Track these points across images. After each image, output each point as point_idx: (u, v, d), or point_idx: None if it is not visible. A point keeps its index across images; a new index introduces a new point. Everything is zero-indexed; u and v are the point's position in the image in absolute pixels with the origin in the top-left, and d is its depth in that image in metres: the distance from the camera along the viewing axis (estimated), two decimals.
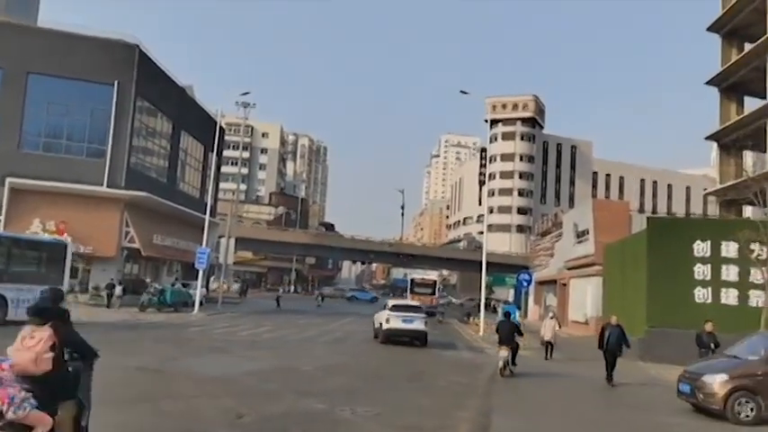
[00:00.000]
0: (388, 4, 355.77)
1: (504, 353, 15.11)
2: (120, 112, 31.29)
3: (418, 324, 21.48)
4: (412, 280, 48.99)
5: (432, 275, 60.74)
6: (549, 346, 20.55)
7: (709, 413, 11.27)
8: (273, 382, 12.29)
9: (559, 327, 22.18)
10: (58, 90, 30.79)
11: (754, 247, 19.95)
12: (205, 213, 33.97)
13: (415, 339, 21.53)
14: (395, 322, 21.36)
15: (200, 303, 31.51)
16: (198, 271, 32.07)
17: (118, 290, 29.58)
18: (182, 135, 39.10)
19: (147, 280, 36.40)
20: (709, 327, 15.77)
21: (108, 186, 30.71)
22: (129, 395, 9.85)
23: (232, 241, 43.59)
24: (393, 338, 21.28)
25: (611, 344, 15.54)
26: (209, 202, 36.44)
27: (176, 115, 37.64)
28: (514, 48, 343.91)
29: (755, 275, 20.28)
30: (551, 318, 21.56)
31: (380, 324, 21.87)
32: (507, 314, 18.06)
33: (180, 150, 39.23)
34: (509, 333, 15.45)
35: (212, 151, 38.39)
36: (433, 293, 46.86)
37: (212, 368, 13.70)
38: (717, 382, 11.10)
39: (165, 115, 36.39)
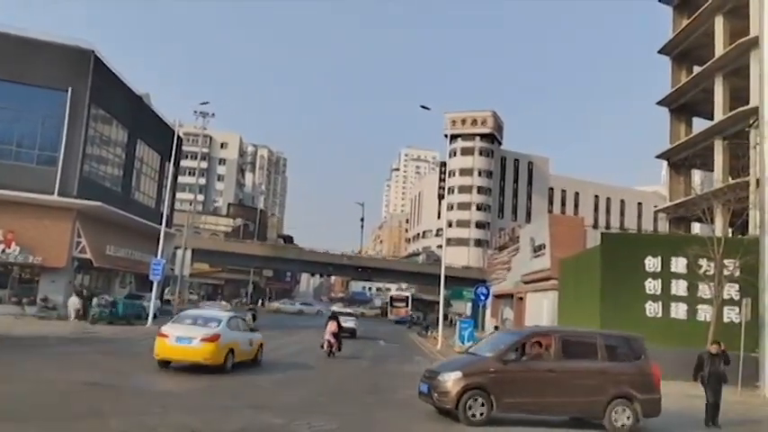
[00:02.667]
0: (348, 18, 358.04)
1: None
2: (74, 120, 30.45)
3: (351, 324, 32.07)
4: (391, 297, 57.64)
5: (405, 292, 65.58)
6: None
7: (448, 414, 10.87)
8: (229, 397, 12.05)
9: None
10: (9, 95, 29.76)
11: (702, 262, 20.63)
12: (161, 224, 33.26)
13: (350, 332, 30.58)
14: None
15: (155, 316, 30.76)
16: (152, 283, 31.33)
17: (76, 301, 28.67)
18: (138, 144, 38.27)
19: (101, 293, 35.42)
20: (714, 348, 13.09)
21: (59, 195, 29.78)
22: (77, 412, 9.52)
23: (188, 253, 42.74)
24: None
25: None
26: (166, 212, 35.68)
27: (132, 123, 36.84)
28: (474, 65, 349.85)
29: (703, 290, 20.93)
30: None
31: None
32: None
33: (135, 159, 38.37)
34: None
35: (169, 161, 37.69)
36: (407, 306, 58.83)
37: (165, 383, 13.36)
38: (450, 381, 10.69)
39: (120, 123, 35.57)
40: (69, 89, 30.30)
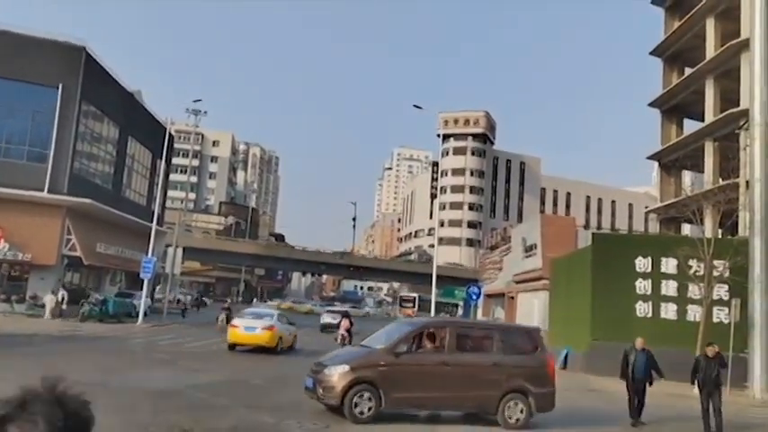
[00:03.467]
0: (342, 17, 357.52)
1: None
2: (65, 116, 30.24)
3: (339, 320, 33.23)
4: (400, 297, 62.35)
5: (413, 293, 67.86)
6: None
7: (333, 409, 10.22)
8: (221, 395, 12.01)
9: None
10: None
11: (692, 263, 20.76)
12: (152, 222, 33.10)
13: (336, 327, 30.19)
14: (327, 318, 37.53)
15: (145, 314, 30.61)
16: (143, 281, 31.18)
17: (51, 298, 28.15)
18: (129, 141, 38.06)
19: (90, 289, 35.19)
20: (711, 350, 12.16)
21: (49, 192, 29.56)
22: None
23: (180, 251, 42.55)
24: (325, 329, 35.01)
25: (638, 372, 12.54)
26: (157, 210, 35.51)
27: (123, 120, 36.63)
28: (469, 65, 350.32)
29: (693, 291, 21.07)
30: None
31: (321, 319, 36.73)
32: None
33: (126, 157, 38.16)
34: None
35: (161, 158, 37.50)
36: (414, 306, 60.75)
37: (156, 381, 13.30)
38: (336, 375, 9.95)
39: (111, 120, 35.35)
40: (60, 85, 30.08)
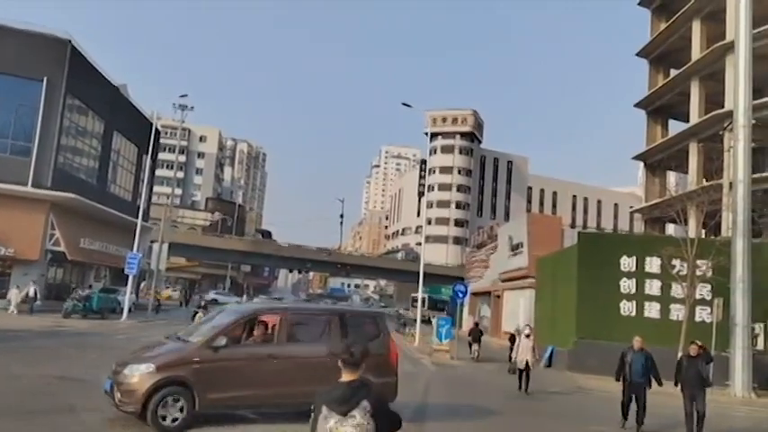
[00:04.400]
0: (330, 15, 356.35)
1: None
2: (49, 110, 29.91)
3: None
4: (412, 297, 59.69)
5: (422, 293, 68.31)
6: (524, 374, 15.37)
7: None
8: None
9: (536, 351, 16.52)
10: None
11: (676, 263, 20.96)
12: (137, 217, 32.85)
13: None
14: None
15: (129, 310, 30.37)
16: (128, 276, 30.94)
17: (31, 290, 27.59)
18: (114, 135, 37.72)
19: (73, 285, 34.89)
20: (694, 349, 11.22)
21: (33, 186, 29.24)
22: (47, 406, 9.36)
23: (165, 247, 42.33)
24: None
25: (636, 374, 11.34)
26: (142, 205, 35.27)
27: (109, 115, 36.30)
28: (457, 64, 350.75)
29: (676, 290, 21.28)
30: (527, 336, 16.02)
31: None
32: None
33: (112, 151, 37.82)
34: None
35: (146, 153, 37.25)
36: (423, 306, 59.37)
37: None
38: (137, 376, 8.39)
39: (96, 114, 35.02)
40: (45, 79, 29.74)
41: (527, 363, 15.25)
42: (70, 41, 30.95)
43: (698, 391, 10.81)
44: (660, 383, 11.24)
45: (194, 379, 8.52)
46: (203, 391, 8.54)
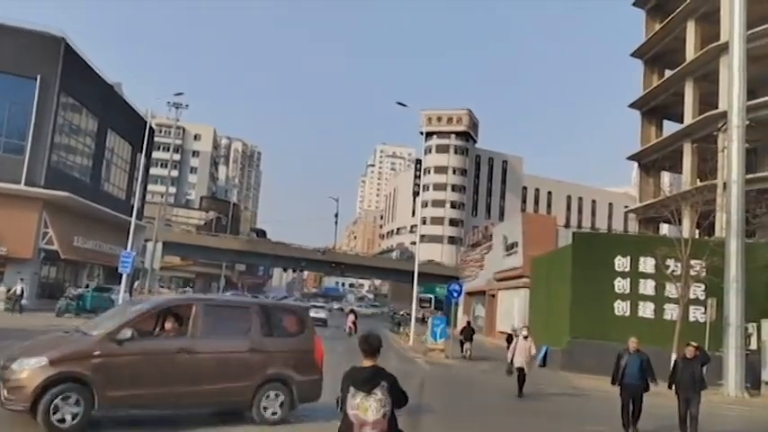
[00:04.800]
0: (326, 15, 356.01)
1: None
2: (43, 108, 29.75)
3: (323, 315, 39.00)
4: (420, 298, 61.65)
5: (428, 294, 67.52)
6: (520, 375, 14.77)
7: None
8: None
9: (533, 353, 15.50)
10: None
11: (670, 263, 21.03)
12: (131, 216, 32.73)
13: (322, 322, 36.08)
14: (311, 313, 36.64)
15: None
16: (121, 275, 30.80)
17: (18, 288, 26.97)
18: (108, 134, 37.56)
19: (66, 284, 34.74)
20: (690, 351, 10.77)
21: (26, 184, 29.09)
22: None
23: (159, 245, 42.09)
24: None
25: (631, 377, 10.86)
26: (136, 204, 35.13)
27: (103, 113, 36.13)
28: (452, 64, 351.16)
29: (670, 290, 21.36)
30: (525, 337, 15.20)
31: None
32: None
33: (106, 150, 37.66)
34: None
35: (141, 152, 37.10)
36: (431, 306, 61.59)
37: None
38: (27, 371, 7.51)
39: (90, 112, 34.86)
40: (38, 76, 29.59)
41: (523, 364, 14.65)
42: (64, 39, 30.80)
43: (693, 394, 10.46)
44: (655, 382, 10.86)
45: (93, 375, 7.67)
46: (103, 389, 7.70)
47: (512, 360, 14.83)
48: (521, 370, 14.67)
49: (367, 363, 4.63)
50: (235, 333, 9.20)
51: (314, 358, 9.64)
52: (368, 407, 4.50)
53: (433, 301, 63.67)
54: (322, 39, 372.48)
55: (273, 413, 8.98)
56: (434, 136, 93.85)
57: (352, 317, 34.60)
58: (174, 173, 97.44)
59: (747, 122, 20.70)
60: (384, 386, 4.54)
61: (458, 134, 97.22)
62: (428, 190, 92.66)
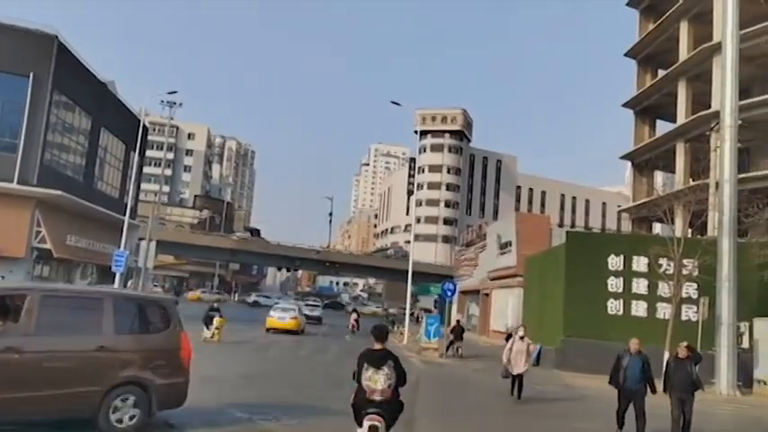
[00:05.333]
0: (322, 14, 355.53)
1: None
2: (35, 106, 29.55)
3: (317, 313, 42.39)
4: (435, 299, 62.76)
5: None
6: (517, 380, 14.06)
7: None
8: (191, 391, 11.87)
9: (528, 355, 14.50)
10: None
11: (662, 262, 21.14)
12: (125, 215, 32.60)
13: (316, 320, 40.19)
14: (305, 311, 38.91)
15: None
16: (115, 274, 30.73)
17: None
18: (101, 132, 37.36)
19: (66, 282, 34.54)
20: (683, 350, 10.47)
21: (19, 183, 28.90)
22: None
23: (153, 244, 42.01)
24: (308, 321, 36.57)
25: (632, 379, 10.13)
26: (130, 203, 35.00)
27: (96, 111, 35.94)
28: (447, 64, 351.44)
29: (663, 289, 21.46)
30: (521, 338, 14.41)
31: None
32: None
33: (99, 148, 37.45)
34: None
35: (134, 150, 36.96)
36: (435, 307, 62.13)
37: None
38: None
39: (83, 111, 34.65)
40: (31, 74, 29.40)
41: (522, 370, 13.85)
42: (57, 37, 30.62)
43: (687, 396, 10.10)
44: (654, 391, 10.17)
45: None
46: None
47: (509, 360, 13.96)
48: (519, 376, 13.91)
49: (377, 346, 6.39)
50: (81, 329, 7.75)
51: (180, 358, 8.40)
52: (377, 379, 6.19)
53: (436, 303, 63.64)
54: (317, 38, 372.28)
55: (128, 421, 7.61)
56: (429, 135, 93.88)
57: (354, 315, 38.01)
58: (168, 172, 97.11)
59: (740, 122, 20.81)
60: (390, 364, 6.27)
61: (452, 133, 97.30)
62: (422, 189, 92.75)
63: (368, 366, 6.18)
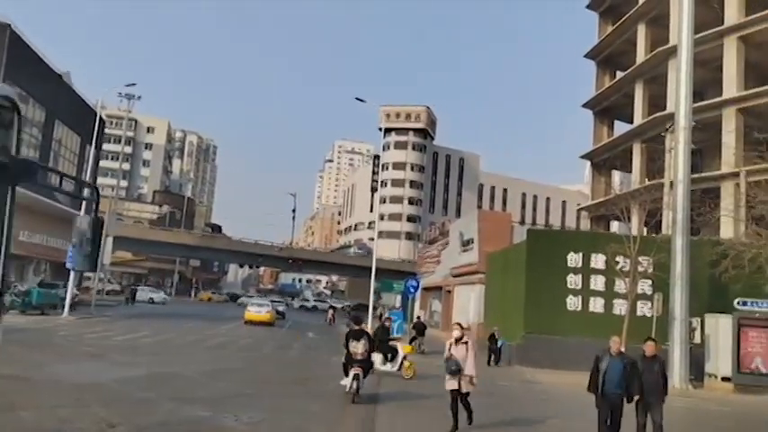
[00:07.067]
0: (285, 9, 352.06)
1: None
2: None
3: (281, 308, 45.71)
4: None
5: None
6: (464, 401, 9.88)
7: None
8: (151, 389, 11.66)
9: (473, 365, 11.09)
10: None
11: (619, 259, 21.65)
12: (80, 210, 31.74)
13: (281, 315, 43.19)
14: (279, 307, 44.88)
15: (71, 306, 29.34)
16: (69, 271, 29.90)
17: None
18: (56, 125, 36.30)
19: (12, 280, 33.43)
20: (650, 348, 9.21)
21: None
22: None
23: (110, 240, 40.97)
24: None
25: (611, 384, 8.65)
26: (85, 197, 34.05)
27: (50, 103, 34.90)
28: (411, 60, 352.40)
29: (619, 285, 21.98)
30: (458, 340, 9.91)
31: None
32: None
33: (53, 141, 36.39)
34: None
35: (90, 144, 36.01)
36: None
37: (82, 375, 12.79)
38: None
39: (37, 102, 33.63)
40: None
41: (469, 387, 9.76)
42: (9, 26, 29.61)
43: (655, 399, 8.87)
44: (630, 400, 8.76)
45: None
46: None
47: (452, 372, 9.73)
48: (465, 395, 9.79)
49: (356, 327, 12.08)
50: None
51: None
52: (358, 346, 11.62)
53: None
54: (281, 34, 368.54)
55: None
56: (393, 132, 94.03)
57: (331, 311, 45.58)
58: (126, 166, 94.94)
59: (693, 124, 21.42)
60: (366, 337, 11.85)
61: (416, 131, 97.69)
62: (386, 186, 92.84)
63: (352, 339, 11.75)
